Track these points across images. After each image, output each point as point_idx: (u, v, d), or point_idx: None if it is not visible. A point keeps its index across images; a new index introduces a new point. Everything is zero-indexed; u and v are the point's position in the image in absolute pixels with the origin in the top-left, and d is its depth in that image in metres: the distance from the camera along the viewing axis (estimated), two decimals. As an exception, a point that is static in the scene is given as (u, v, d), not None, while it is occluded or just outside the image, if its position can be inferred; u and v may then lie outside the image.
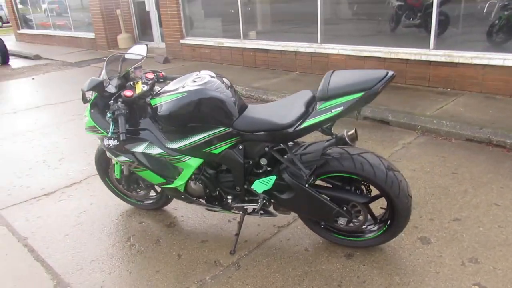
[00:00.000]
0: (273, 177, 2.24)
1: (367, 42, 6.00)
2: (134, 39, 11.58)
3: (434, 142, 3.91)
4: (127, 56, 2.68)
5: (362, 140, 4.04)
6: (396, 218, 2.20)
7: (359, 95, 1.88)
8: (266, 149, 2.21)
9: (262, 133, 2.13)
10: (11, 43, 14.89)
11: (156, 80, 2.59)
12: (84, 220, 2.98)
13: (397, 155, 3.67)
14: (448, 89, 5.25)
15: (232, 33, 8.04)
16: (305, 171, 2.11)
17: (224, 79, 2.34)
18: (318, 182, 2.34)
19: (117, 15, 11.04)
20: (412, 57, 5.44)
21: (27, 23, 15.61)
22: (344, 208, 2.22)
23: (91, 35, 11.94)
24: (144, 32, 11.36)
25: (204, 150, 2.28)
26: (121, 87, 2.46)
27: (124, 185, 2.89)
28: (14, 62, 11.26)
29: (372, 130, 4.33)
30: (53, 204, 3.26)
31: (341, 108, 1.92)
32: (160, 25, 9.96)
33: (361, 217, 2.26)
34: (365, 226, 2.40)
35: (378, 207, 2.43)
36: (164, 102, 2.25)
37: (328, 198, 2.22)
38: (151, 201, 2.98)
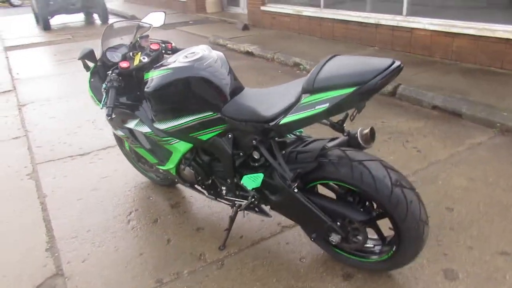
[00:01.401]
0: (261, 175, 1.93)
1: (461, 16, 5.08)
2: (221, 4, 11.53)
3: (512, 147, 3.18)
4: (141, 23, 2.52)
5: (421, 134, 3.45)
6: (402, 245, 1.77)
7: (349, 90, 1.47)
8: (254, 142, 1.89)
9: (246, 123, 1.82)
10: (116, 3, 15.92)
11: (164, 52, 2.39)
12: (101, 186, 3.00)
13: (457, 158, 3.05)
14: (556, 81, 4.25)
15: (313, 1, 7.48)
16: (289, 174, 1.77)
17: (220, 56, 2.06)
18: (320, 188, 1.98)
19: (207, -22, 11.03)
20: (514, 38, 4.47)
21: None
22: (338, 223, 1.84)
23: (184, -3, 12.16)
24: (231, -3, 11.22)
25: (190, 135, 2.05)
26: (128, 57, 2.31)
27: (134, 157, 2.81)
28: (112, 21, 11.99)
29: (438, 122, 3.67)
30: (83, 166, 3.34)
31: (326, 105, 1.52)
32: (246, -10, 9.70)
33: (360, 237, 1.86)
34: (371, 246, 2.00)
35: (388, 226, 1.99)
36: (153, 77, 2.04)
37: (320, 209, 1.85)
38: (159, 177, 2.86)
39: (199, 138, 2.03)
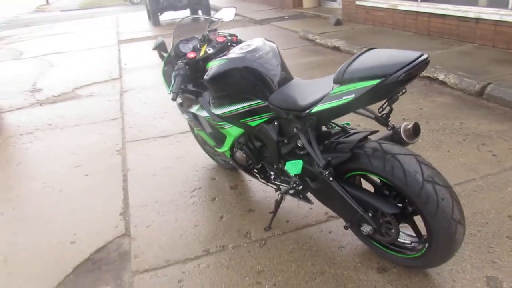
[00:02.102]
0: (301, 162, 2.03)
1: None
2: (319, -2, 11.51)
3: None
4: (212, 18, 2.76)
5: (501, 138, 3.17)
6: (433, 243, 1.74)
7: (373, 82, 1.50)
8: (295, 130, 1.99)
9: (287, 112, 1.94)
10: (221, 0, 16.78)
11: (230, 44, 2.59)
12: (174, 165, 3.34)
13: (538, 166, 2.77)
14: None
15: (409, -6, 7.14)
16: (322, 161, 1.84)
17: (272, 48, 2.18)
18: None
19: (304, -26, 11.10)
20: None
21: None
22: (370, 214, 1.86)
23: (281, -7, 12.39)
24: (328, -9, 11.14)
25: (241, 121, 2.22)
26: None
27: (201, 141, 3.08)
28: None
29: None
30: (163, 146, 3.73)
31: (352, 96, 1.57)
32: (342, -16, 9.56)
33: (393, 230, 1.86)
34: (408, 242, 1.98)
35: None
36: (212, 66, 2.26)
37: (354, 199, 1.89)
38: (224, 161, 3.09)
39: (249, 124, 2.20)
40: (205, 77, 2.27)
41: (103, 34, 10.90)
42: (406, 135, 1.85)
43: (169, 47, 2.71)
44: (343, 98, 1.60)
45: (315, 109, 1.73)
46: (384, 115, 1.93)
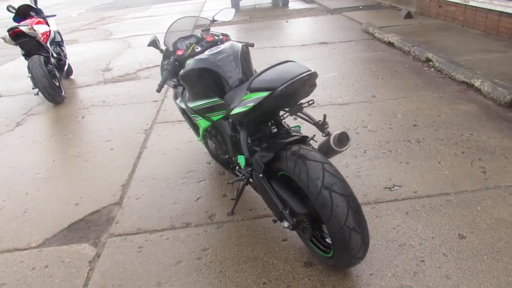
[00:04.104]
0: (242, 156, 2.24)
1: None
2: (398, -12, 10.97)
3: None
4: (215, 17, 3.01)
5: (503, 155, 2.99)
6: (334, 245, 1.86)
7: (264, 94, 1.66)
8: (239, 127, 2.20)
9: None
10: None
11: (220, 43, 2.83)
12: (182, 147, 3.70)
13: (528, 188, 2.61)
14: None
15: (483, -11, 6.59)
16: (247, 155, 2.04)
17: (236, 52, 2.37)
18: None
19: (384, -37, 10.64)
20: None
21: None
22: (287, 211, 2.02)
23: (361, -18, 12.02)
24: (409, -18, 10.55)
25: (206, 115, 2.48)
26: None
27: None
28: (293, 4, 12.83)
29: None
30: (181, 130, 4.10)
31: (252, 104, 1.74)
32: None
33: (309, 229, 2.00)
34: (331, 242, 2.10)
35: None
36: (187, 64, 2.53)
37: (277, 196, 2.06)
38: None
39: (212, 118, 2.45)
40: (180, 73, 2.56)
41: (184, 19, 11.64)
42: (334, 143, 1.97)
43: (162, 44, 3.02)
44: (247, 105, 1.79)
45: (232, 112, 1.94)
46: (319, 122, 2.06)
